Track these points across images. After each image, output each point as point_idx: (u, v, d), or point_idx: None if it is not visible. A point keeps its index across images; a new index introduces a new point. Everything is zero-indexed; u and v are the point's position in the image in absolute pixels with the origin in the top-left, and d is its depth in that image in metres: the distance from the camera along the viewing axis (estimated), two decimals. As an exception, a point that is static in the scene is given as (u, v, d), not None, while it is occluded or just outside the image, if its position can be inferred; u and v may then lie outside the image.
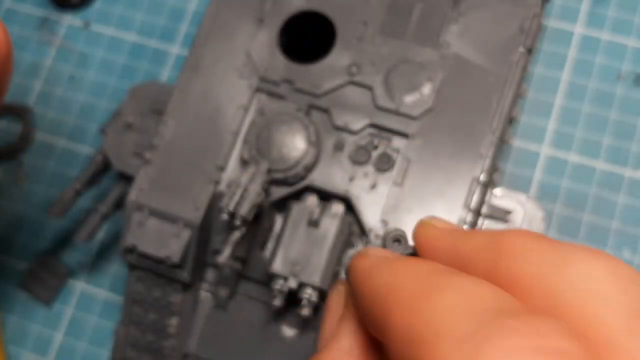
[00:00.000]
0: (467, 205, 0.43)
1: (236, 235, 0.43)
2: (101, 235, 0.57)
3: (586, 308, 0.18)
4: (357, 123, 0.46)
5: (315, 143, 0.45)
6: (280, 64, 0.48)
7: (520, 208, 0.46)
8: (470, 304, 0.18)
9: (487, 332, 0.16)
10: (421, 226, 0.27)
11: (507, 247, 0.19)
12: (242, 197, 0.43)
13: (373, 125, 0.46)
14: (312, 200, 0.45)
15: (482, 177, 0.44)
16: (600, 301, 0.18)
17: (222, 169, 0.46)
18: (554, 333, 0.16)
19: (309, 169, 0.45)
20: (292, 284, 0.43)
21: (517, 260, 0.19)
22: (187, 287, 0.47)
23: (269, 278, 0.44)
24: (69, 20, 0.62)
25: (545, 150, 0.54)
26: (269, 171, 0.45)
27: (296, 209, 0.44)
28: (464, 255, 0.22)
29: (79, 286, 0.56)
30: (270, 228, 0.47)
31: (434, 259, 0.24)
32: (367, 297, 0.22)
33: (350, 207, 0.45)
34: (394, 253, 0.27)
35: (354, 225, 0.45)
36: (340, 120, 0.46)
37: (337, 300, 0.29)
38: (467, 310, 0.18)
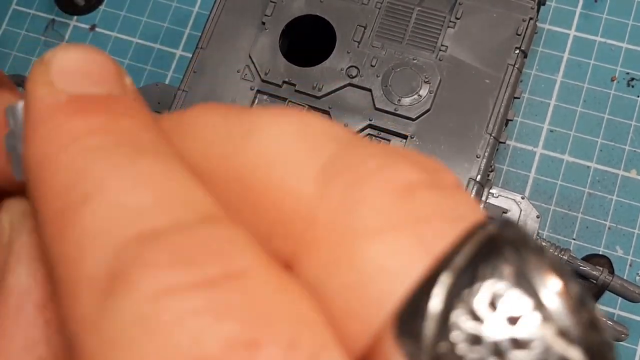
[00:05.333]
0: (463, 204, 0.44)
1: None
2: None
3: (272, 181, 0.14)
4: (357, 124, 0.47)
5: (316, 144, 0.47)
6: (281, 67, 0.49)
7: (516, 207, 0.47)
8: (113, 223, 0.12)
9: (125, 275, 0.12)
10: (32, 75, 0.15)
11: (189, 128, 0.15)
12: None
13: (372, 127, 0.47)
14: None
15: (479, 177, 0.45)
16: (288, 168, 0.14)
17: (225, 169, 0.47)
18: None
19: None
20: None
21: (199, 141, 0.15)
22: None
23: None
24: (74, 23, 0.63)
25: (540, 150, 0.55)
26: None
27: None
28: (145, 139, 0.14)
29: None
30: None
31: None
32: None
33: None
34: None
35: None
36: (340, 122, 0.47)
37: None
38: (106, 239, 0.12)
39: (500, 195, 0.47)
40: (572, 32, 0.57)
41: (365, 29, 0.49)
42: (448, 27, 0.48)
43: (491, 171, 0.46)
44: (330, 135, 0.14)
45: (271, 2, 0.50)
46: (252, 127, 0.15)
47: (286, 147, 0.14)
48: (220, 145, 0.15)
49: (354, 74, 0.48)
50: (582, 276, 0.48)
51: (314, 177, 0.14)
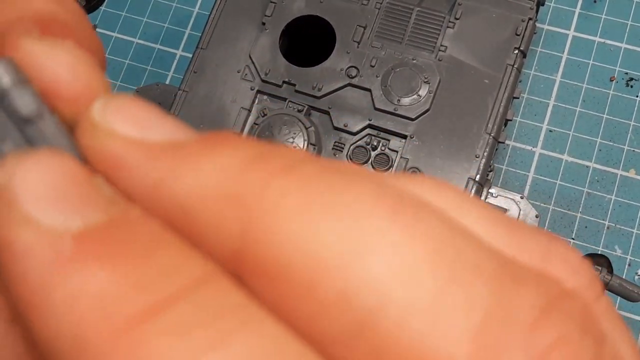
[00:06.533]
0: (462, 204, 0.44)
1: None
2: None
3: (409, 335, 0.11)
4: (356, 124, 0.47)
5: (316, 143, 0.47)
6: (281, 67, 0.49)
7: (515, 207, 0.47)
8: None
9: None
10: (86, 131, 0.13)
11: (261, 203, 0.11)
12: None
13: (372, 127, 0.47)
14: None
15: (478, 177, 0.45)
16: (437, 323, 0.11)
17: (225, 168, 0.48)
18: None
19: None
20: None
21: (278, 234, 0.11)
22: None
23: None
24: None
25: (539, 150, 0.55)
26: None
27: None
28: (182, 204, 0.12)
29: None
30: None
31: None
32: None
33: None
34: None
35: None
36: (339, 122, 0.47)
37: None
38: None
39: (500, 195, 0.47)
40: (571, 33, 0.57)
41: (365, 29, 0.49)
42: (447, 27, 0.48)
43: (490, 171, 0.47)
44: (483, 271, 0.11)
45: (271, 2, 0.50)
46: (362, 236, 0.11)
47: (425, 289, 0.11)
48: (313, 249, 0.11)
49: (353, 74, 0.48)
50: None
51: (470, 341, 0.11)
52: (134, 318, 0.11)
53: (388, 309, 0.11)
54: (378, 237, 0.11)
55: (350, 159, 0.47)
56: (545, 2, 0.51)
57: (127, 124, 0.13)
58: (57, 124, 0.13)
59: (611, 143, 0.54)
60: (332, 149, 0.47)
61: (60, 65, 0.13)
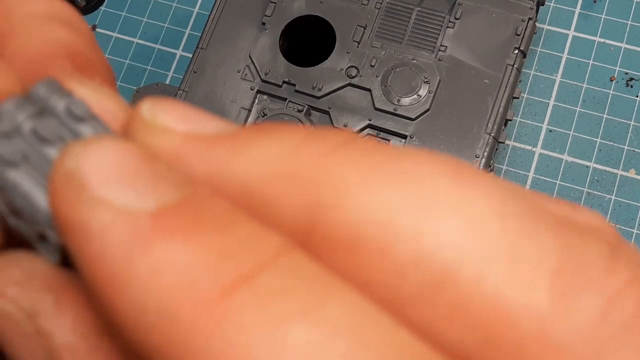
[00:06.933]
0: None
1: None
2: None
3: (480, 284, 0.11)
4: (357, 124, 0.47)
5: (316, 143, 0.47)
6: (281, 67, 0.49)
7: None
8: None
9: None
10: (140, 130, 0.13)
11: (325, 176, 0.12)
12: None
13: (372, 127, 0.47)
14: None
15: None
16: (513, 272, 0.11)
17: (225, 168, 0.48)
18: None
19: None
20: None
21: (346, 206, 0.11)
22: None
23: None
24: (74, 23, 0.64)
25: (539, 150, 0.55)
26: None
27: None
28: (246, 186, 0.12)
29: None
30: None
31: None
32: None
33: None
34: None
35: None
36: (339, 122, 0.47)
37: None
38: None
39: (500, 195, 0.47)
40: (571, 33, 0.57)
41: (364, 29, 0.49)
42: (447, 27, 0.48)
43: (490, 171, 0.47)
44: (547, 223, 0.12)
45: (271, 2, 0.50)
46: (429, 197, 0.11)
47: (497, 241, 0.11)
48: (381, 211, 0.11)
49: (353, 74, 0.48)
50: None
51: (548, 287, 0.11)
52: (222, 288, 0.11)
53: (464, 264, 0.11)
54: (444, 197, 0.12)
55: (350, 159, 0.47)
56: (545, 2, 0.52)
57: (179, 121, 0.13)
58: (106, 125, 0.14)
59: (611, 143, 0.54)
60: (332, 149, 0.47)
61: (106, 112, 0.14)
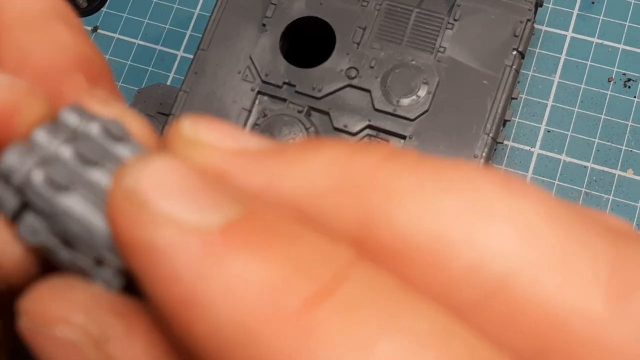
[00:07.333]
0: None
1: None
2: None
3: (533, 289, 0.11)
4: (356, 125, 0.48)
5: (316, 144, 0.47)
6: (281, 68, 0.49)
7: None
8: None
9: None
10: (183, 145, 0.13)
11: (375, 189, 0.12)
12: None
13: (371, 127, 0.48)
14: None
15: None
16: (565, 276, 0.11)
17: (226, 168, 0.48)
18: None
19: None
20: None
21: (398, 217, 0.12)
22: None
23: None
24: (76, 24, 0.64)
25: (538, 150, 0.55)
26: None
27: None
28: (296, 201, 0.12)
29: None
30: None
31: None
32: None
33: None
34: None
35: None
36: (339, 122, 0.48)
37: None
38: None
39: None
40: (569, 34, 0.58)
41: (364, 30, 0.49)
42: (446, 28, 0.49)
43: (489, 171, 0.47)
44: (594, 227, 0.12)
45: (272, 4, 0.50)
46: (480, 207, 0.12)
47: (549, 246, 0.11)
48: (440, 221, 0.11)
49: (353, 75, 0.48)
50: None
51: (602, 291, 0.11)
52: (303, 302, 0.10)
53: (519, 272, 0.11)
54: (495, 206, 0.12)
55: (350, 159, 0.47)
56: (544, 4, 0.52)
57: (223, 137, 0.13)
58: (143, 144, 0.14)
59: (609, 143, 0.55)
60: (332, 149, 0.48)
61: (134, 132, 0.14)
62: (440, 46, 0.48)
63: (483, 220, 0.12)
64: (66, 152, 0.13)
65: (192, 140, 0.13)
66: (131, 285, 0.12)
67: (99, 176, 0.13)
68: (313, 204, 0.12)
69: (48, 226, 0.13)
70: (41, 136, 0.13)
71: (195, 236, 0.11)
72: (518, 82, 0.50)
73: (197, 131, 0.13)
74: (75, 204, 0.12)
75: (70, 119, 0.13)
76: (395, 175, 0.12)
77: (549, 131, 0.56)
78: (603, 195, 0.54)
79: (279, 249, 0.11)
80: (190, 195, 0.12)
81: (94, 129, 0.13)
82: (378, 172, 0.12)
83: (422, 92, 0.47)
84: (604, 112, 0.56)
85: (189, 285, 0.11)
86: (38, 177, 0.12)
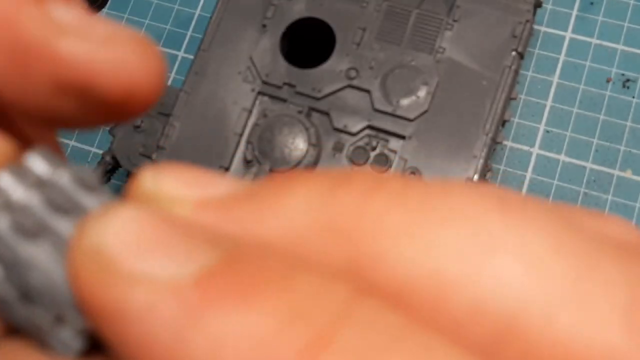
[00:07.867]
0: (460, 204, 0.45)
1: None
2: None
3: (550, 326, 0.10)
4: (356, 125, 0.48)
5: (316, 144, 0.47)
6: (282, 69, 0.50)
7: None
8: None
9: None
10: (145, 201, 0.12)
11: (361, 227, 0.11)
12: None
13: (371, 127, 0.48)
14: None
15: (476, 177, 0.46)
16: (581, 311, 0.10)
17: (226, 169, 0.48)
18: None
19: (310, 169, 0.47)
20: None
21: (389, 258, 0.11)
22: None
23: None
24: (77, 25, 0.64)
25: (537, 151, 0.56)
26: (271, 171, 0.47)
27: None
28: (271, 245, 0.11)
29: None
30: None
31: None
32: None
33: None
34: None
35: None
36: (339, 123, 0.48)
37: None
38: None
39: (497, 195, 0.48)
40: (568, 34, 0.58)
41: (364, 31, 0.49)
42: (446, 29, 0.49)
43: (488, 171, 0.47)
44: (605, 252, 0.11)
45: (272, 5, 0.51)
46: (480, 239, 0.10)
47: (560, 279, 0.10)
48: (431, 260, 0.10)
49: (353, 76, 0.49)
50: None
51: (622, 321, 0.10)
52: (299, 353, 0.09)
53: (530, 309, 0.10)
54: (496, 238, 0.11)
55: (350, 159, 0.47)
56: (543, 4, 0.52)
57: (188, 187, 0.12)
58: (110, 194, 0.12)
59: (608, 144, 0.55)
60: (332, 149, 0.48)
61: None
62: (439, 47, 0.49)
63: (484, 255, 0.10)
64: (34, 198, 0.12)
65: (154, 195, 0.12)
66: (95, 346, 0.11)
67: (68, 226, 0.12)
68: (294, 245, 0.11)
69: (6, 276, 0.11)
70: (5, 180, 0.12)
71: (170, 293, 0.10)
72: (517, 83, 0.51)
73: (159, 184, 0.12)
74: (40, 254, 0.11)
75: (37, 164, 0.12)
76: (383, 210, 0.11)
77: (548, 131, 0.56)
78: (602, 195, 0.54)
79: (266, 295, 0.10)
80: (161, 247, 0.10)
81: (63, 176, 0.12)
82: (364, 209, 0.11)
83: (422, 93, 0.48)
84: (602, 113, 0.56)
85: (167, 351, 0.10)
86: (3, 222, 0.11)
